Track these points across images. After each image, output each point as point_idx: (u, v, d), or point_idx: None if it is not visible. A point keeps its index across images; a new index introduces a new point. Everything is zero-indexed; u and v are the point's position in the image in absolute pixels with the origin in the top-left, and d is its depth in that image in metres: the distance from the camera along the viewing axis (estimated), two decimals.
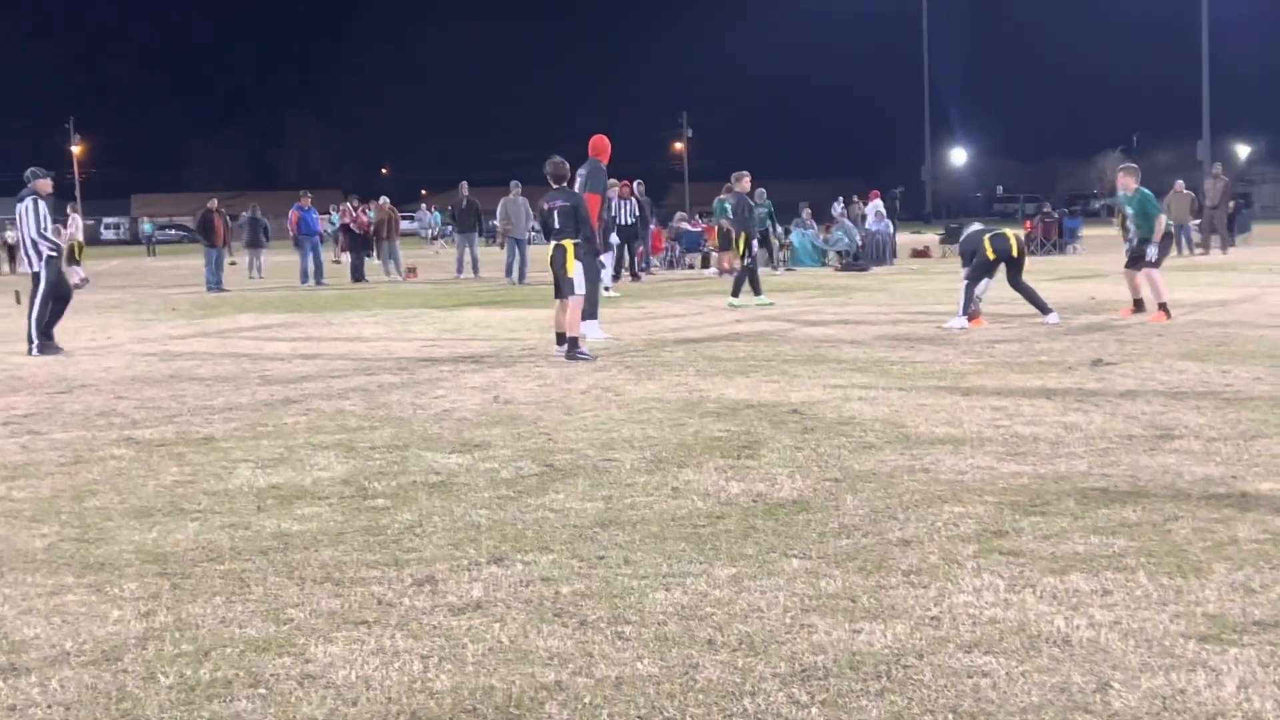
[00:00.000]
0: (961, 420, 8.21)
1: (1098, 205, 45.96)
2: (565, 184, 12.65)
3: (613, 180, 23.34)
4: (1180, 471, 6.55)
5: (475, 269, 29.31)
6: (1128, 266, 15.42)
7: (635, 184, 27.23)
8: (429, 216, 64.92)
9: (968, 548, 5.25)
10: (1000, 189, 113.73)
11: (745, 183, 18.40)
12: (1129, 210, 15.23)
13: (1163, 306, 14.71)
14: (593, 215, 13.07)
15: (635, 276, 26.71)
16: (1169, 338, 12.76)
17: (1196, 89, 68.93)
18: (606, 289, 21.07)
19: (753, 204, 18.55)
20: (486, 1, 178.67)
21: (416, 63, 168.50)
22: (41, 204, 14.17)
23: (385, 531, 5.80)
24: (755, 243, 18.63)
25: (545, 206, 12.56)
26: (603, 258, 16.85)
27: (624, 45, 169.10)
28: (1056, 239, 35.67)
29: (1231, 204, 35.20)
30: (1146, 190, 15.36)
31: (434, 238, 57.63)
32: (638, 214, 26.54)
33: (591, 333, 13.26)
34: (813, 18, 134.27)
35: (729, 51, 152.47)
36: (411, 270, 31.12)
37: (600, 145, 14.49)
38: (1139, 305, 15.30)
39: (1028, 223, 37.11)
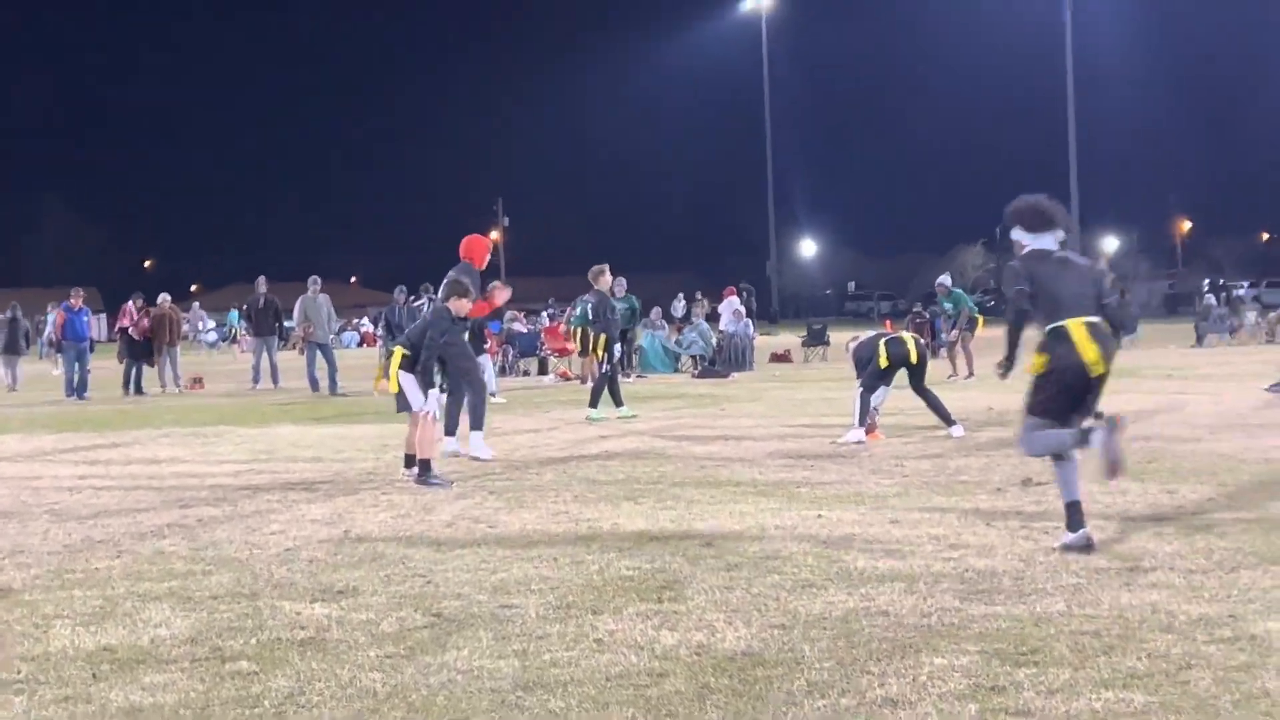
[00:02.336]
0: (903, 552, 8.15)
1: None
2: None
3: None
4: (1172, 611, 6.55)
5: (275, 378, 28.51)
6: None
7: None
8: (205, 317, 63.83)
9: (967, 707, 5.12)
10: (852, 285, 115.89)
11: (605, 279, 18.34)
12: None
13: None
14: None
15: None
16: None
17: (1062, 179, 71.80)
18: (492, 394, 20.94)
19: (613, 302, 18.49)
20: (269, 74, 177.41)
21: (188, 141, 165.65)
22: None
23: (261, 702, 5.45)
24: (616, 346, 18.49)
25: None
26: (481, 360, 16.85)
27: (433, 122, 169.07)
28: (929, 341, 36.40)
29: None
30: None
31: (231, 341, 56.90)
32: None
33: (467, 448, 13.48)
34: (640, 97, 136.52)
35: (548, 132, 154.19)
36: (197, 380, 30.26)
37: (469, 248, 14.72)
38: None
39: (887, 322, 37.73)
